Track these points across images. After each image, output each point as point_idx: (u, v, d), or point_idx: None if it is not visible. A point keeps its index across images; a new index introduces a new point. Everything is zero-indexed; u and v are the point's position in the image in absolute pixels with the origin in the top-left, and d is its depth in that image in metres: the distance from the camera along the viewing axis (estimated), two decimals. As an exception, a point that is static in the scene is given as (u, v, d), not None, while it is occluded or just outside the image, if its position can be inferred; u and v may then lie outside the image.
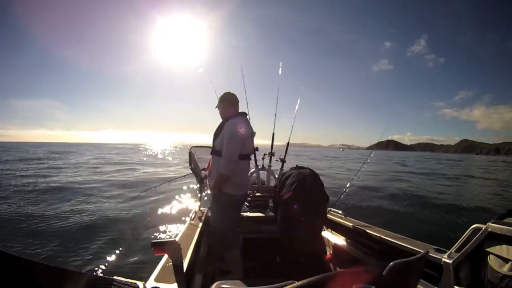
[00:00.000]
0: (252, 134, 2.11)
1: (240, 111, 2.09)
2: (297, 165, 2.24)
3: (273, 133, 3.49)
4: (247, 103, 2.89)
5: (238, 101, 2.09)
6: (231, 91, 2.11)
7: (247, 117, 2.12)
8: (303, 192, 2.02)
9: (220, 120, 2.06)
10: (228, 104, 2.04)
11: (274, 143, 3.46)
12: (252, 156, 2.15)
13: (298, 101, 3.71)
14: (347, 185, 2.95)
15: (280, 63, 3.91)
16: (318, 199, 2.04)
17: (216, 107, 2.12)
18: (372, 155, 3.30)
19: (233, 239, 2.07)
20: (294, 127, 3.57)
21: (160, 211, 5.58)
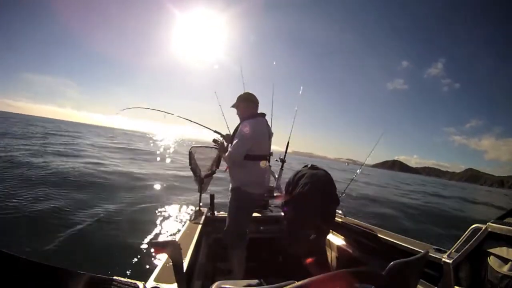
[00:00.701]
0: (270, 135, 2.09)
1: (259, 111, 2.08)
2: (311, 165, 2.20)
3: (272, 133, 3.51)
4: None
5: (257, 102, 2.06)
6: (251, 91, 2.11)
7: (266, 117, 2.10)
8: (315, 195, 1.98)
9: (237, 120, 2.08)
10: (247, 103, 2.02)
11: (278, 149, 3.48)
12: (266, 158, 2.14)
13: (296, 108, 3.73)
14: (346, 187, 2.96)
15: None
16: (330, 203, 2.01)
17: (232, 106, 2.10)
18: (363, 167, 3.30)
19: (242, 239, 2.08)
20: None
21: (160, 211, 5.58)
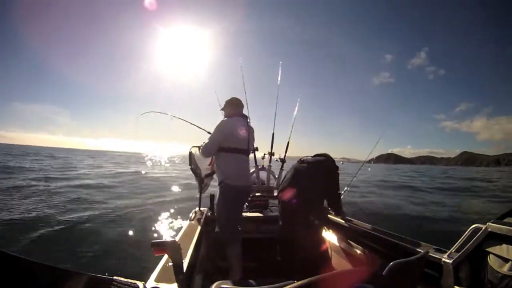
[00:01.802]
0: (249, 132, 2.21)
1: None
2: (301, 159, 2.29)
3: (273, 133, 3.50)
4: (247, 104, 2.92)
5: (240, 104, 2.30)
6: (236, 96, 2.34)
7: (248, 120, 2.30)
8: (294, 186, 2.07)
9: None
10: (229, 106, 2.28)
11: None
12: (246, 152, 2.23)
13: (297, 104, 3.74)
14: (345, 188, 2.95)
15: (280, 65, 3.97)
16: (310, 193, 2.06)
17: (221, 109, 2.37)
18: (364, 168, 3.31)
19: (235, 233, 2.13)
20: (294, 140, 3.62)
21: (160, 211, 5.58)
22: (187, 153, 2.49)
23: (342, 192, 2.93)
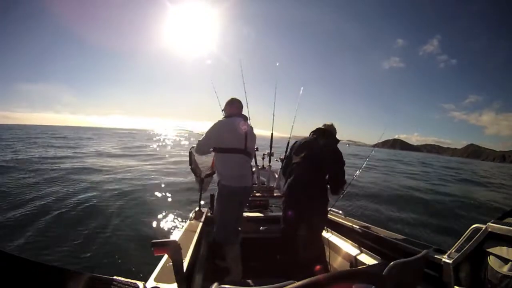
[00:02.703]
0: (248, 133, 2.17)
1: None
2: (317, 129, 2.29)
3: (272, 133, 3.50)
4: (247, 104, 2.94)
5: (238, 104, 2.28)
6: (236, 94, 2.37)
7: (248, 121, 2.29)
8: (299, 189, 2.04)
9: None
10: (229, 106, 2.27)
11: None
12: (244, 152, 2.19)
13: (300, 92, 3.73)
14: (347, 186, 2.94)
15: (277, 64, 3.99)
16: (316, 198, 2.05)
17: (222, 110, 2.38)
18: (373, 153, 3.37)
19: (233, 234, 2.11)
20: (299, 120, 3.61)
21: (160, 211, 5.58)
22: (192, 129, 2.55)
23: (354, 176, 2.95)
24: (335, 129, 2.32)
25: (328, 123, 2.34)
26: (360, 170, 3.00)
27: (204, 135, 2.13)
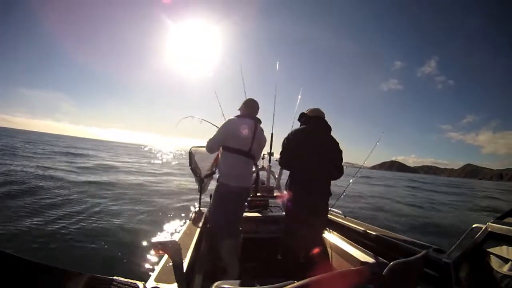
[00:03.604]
0: (256, 135, 2.16)
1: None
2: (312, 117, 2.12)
3: (272, 133, 3.51)
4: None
5: (254, 105, 2.29)
6: (253, 98, 2.36)
7: (260, 124, 2.28)
8: (301, 188, 2.00)
9: None
10: (244, 106, 2.30)
11: None
12: (247, 154, 2.18)
13: (298, 100, 3.72)
14: (346, 187, 2.95)
15: (277, 63, 3.96)
16: (318, 199, 2.03)
17: (238, 109, 2.36)
18: (361, 170, 3.30)
19: (227, 233, 2.09)
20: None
21: (160, 211, 5.58)
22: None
23: (346, 188, 2.93)
24: (323, 113, 2.19)
25: (315, 108, 2.20)
26: (351, 182, 2.97)
27: (214, 134, 2.16)
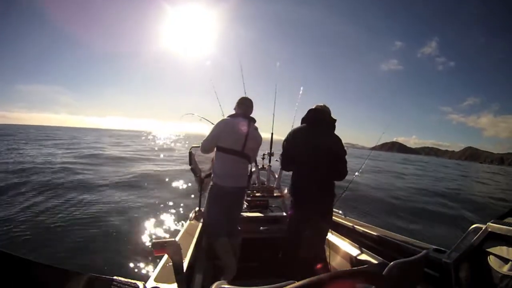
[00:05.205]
0: (249, 135, 2.14)
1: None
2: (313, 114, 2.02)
3: (272, 133, 3.51)
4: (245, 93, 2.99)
5: (247, 104, 2.26)
6: (245, 93, 2.49)
7: (255, 124, 2.26)
8: (305, 189, 1.95)
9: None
10: (238, 106, 2.28)
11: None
12: (240, 154, 2.15)
13: (299, 96, 3.72)
14: (347, 186, 2.94)
15: (277, 64, 3.98)
16: (321, 200, 1.99)
17: (234, 109, 2.34)
18: (371, 154, 3.35)
19: (222, 232, 2.06)
20: (298, 119, 3.64)
21: (160, 211, 5.58)
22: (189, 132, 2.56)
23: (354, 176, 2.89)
24: (329, 110, 2.11)
25: (320, 104, 2.11)
26: (360, 171, 2.99)
27: (208, 134, 2.16)
